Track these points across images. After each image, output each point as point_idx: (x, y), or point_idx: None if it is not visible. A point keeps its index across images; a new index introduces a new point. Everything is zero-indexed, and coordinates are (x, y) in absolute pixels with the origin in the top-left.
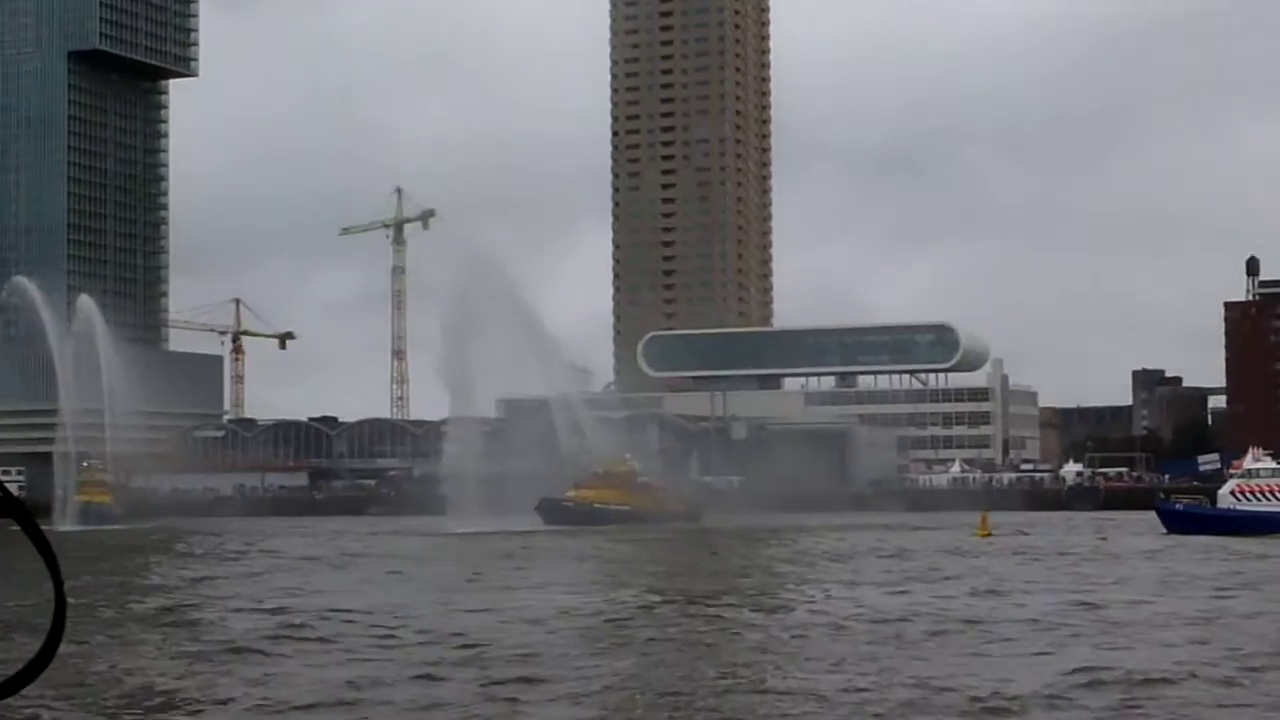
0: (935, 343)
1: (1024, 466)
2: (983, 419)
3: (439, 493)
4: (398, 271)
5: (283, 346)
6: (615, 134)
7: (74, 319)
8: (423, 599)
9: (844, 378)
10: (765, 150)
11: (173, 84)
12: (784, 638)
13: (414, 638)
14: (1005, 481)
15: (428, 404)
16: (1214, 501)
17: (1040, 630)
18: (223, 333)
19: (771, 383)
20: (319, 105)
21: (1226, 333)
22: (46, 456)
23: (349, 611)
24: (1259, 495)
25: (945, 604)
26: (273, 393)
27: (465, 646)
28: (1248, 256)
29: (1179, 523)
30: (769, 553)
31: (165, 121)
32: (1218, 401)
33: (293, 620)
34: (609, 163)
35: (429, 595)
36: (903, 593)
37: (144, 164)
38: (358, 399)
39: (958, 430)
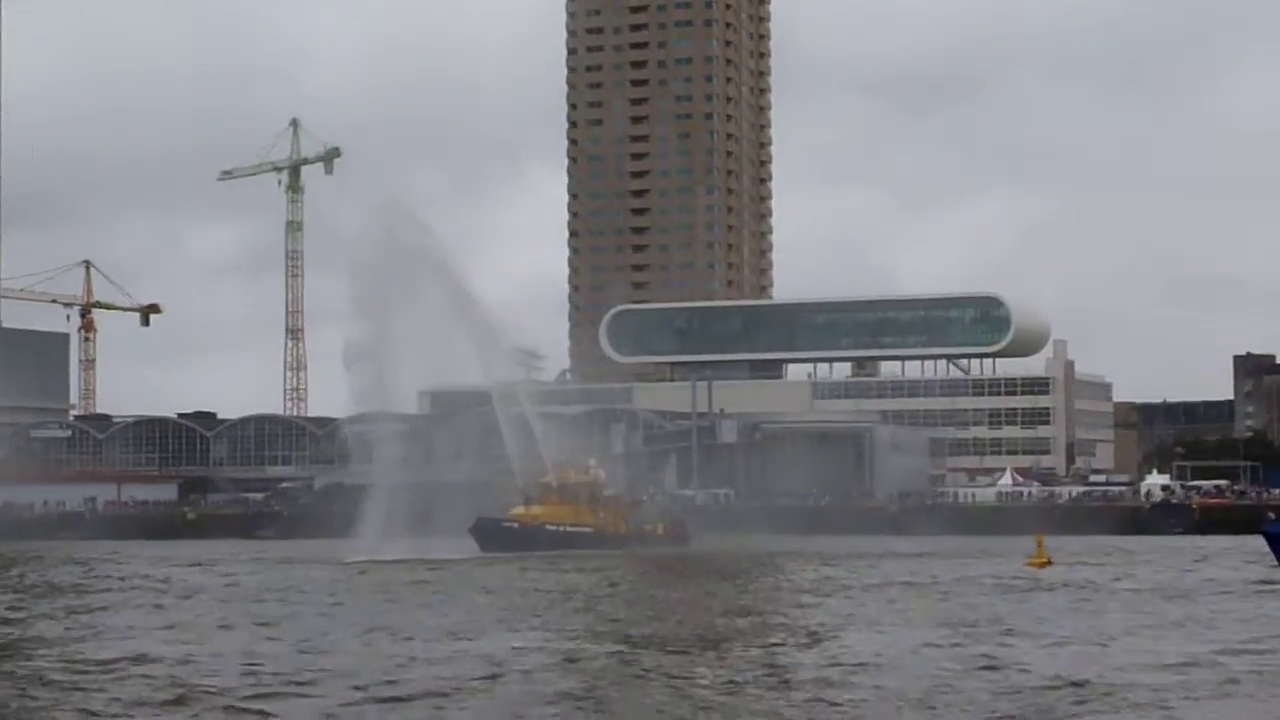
0: (979, 320)
1: (1094, 478)
2: (1041, 417)
3: (346, 509)
4: (293, 227)
5: (145, 322)
6: (571, 51)
7: None
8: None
9: (862, 364)
10: (762, 74)
11: None
12: None
13: None
14: (1069, 497)
15: (331, 397)
16: None
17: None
18: (69, 305)
19: (769, 370)
20: (190, 15)
21: None
22: None
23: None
24: None
25: (1036, 664)
26: (133, 381)
27: None
28: None
29: None
30: (774, 587)
31: None
32: None
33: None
34: (563, 89)
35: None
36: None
37: None
38: (242, 390)
39: (1008, 431)
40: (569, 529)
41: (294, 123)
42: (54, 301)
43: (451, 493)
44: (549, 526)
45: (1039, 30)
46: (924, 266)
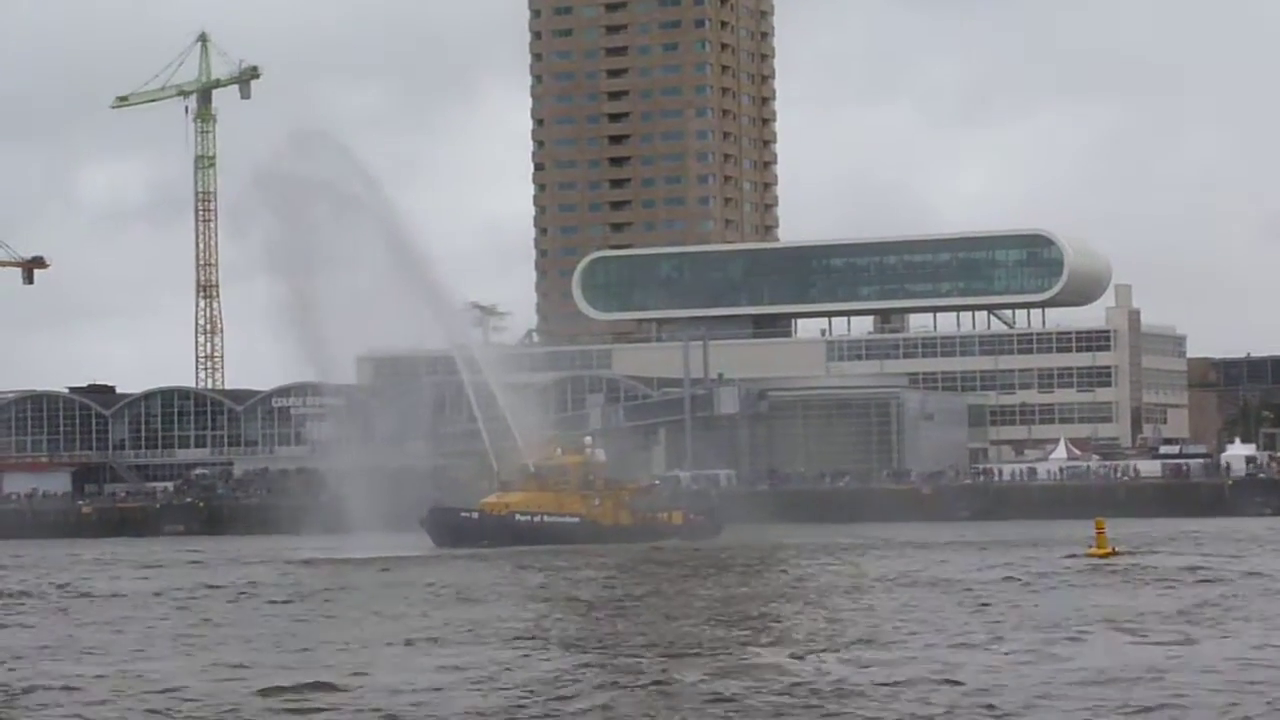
0: (1026, 262)
1: (1164, 449)
2: (1101, 378)
3: (274, 500)
4: (203, 163)
5: (29, 279)
6: None
7: None
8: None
9: (886, 318)
10: None
11: None
12: None
13: None
14: (1136, 472)
15: (253, 366)
16: None
17: None
18: None
19: (776, 327)
20: None
21: None
22: None
23: None
24: None
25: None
26: (15, 350)
27: None
28: None
29: None
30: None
31: None
32: None
33: None
34: None
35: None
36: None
37: None
38: (146, 359)
39: (1062, 395)
40: (548, 519)
41: (202, 38)
42: None
43: (403, 479)
44: (520, 517)
45: None
46: (960, 200)
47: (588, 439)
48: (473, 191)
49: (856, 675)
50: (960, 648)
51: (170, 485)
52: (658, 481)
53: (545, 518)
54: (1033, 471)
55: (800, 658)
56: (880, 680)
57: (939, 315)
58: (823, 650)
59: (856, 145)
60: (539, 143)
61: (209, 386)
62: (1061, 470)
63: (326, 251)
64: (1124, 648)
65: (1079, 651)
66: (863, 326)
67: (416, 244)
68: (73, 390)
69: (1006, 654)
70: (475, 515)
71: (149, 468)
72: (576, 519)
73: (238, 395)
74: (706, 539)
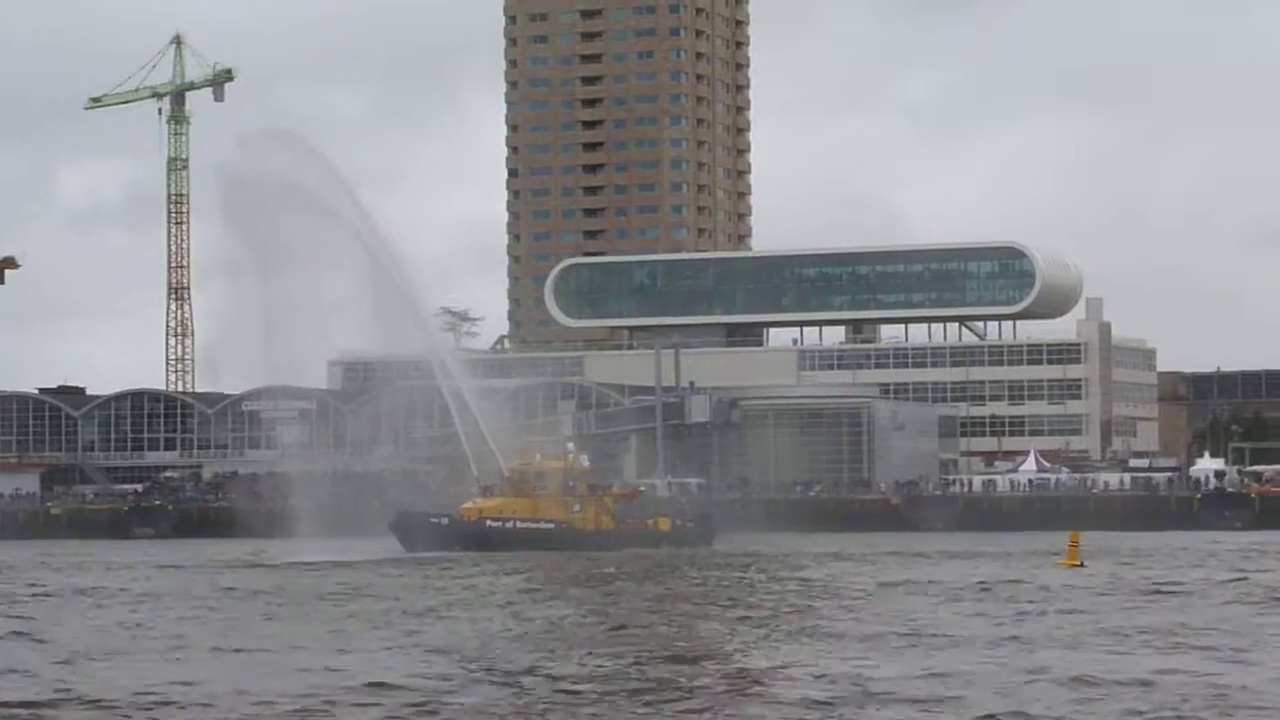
0: (998, 274)
1: (1135, 463)
2: (1072, 390)
3: (243, 504)
4: (175, 165)
5: None
6: None
7: None
8: None
9: (858, 328)
10: None
11: None
12: None
13: None
14: (1105, 485)
15: (230, 368)
16: None
17: None
18: None
19: (748, 336)
20: None
21: None
22: None
23: None
24: None
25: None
26: None
27: None
28: None
29: None
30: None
31: None
32: None
33: None
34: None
35: None
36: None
37: None
38: (116, 360)
39: (1033, 407)
40: (521, 525)
41: (176, 39)
42: None
43: (370, 483)
44: (491, 523)
45: None
46: (934, 212)
47: (570, 444)
48: (447, 196)
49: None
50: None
51: (140, 487)
52: (643, 488)
53: (518, 523)
54: (1003, 484)
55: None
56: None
57: (911, 326)
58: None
59: (831, 155)
60: (513, 149)
61: (179, 389)
62: (1031, 483)
63: (293, 253)
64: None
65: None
66: (835, 336)
67: (388, 247)
68: (42, 391)
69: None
70: (445, 520)
71: (118, 470)
72: (551, 524)
73: (208, 398)
74: (698, 546)
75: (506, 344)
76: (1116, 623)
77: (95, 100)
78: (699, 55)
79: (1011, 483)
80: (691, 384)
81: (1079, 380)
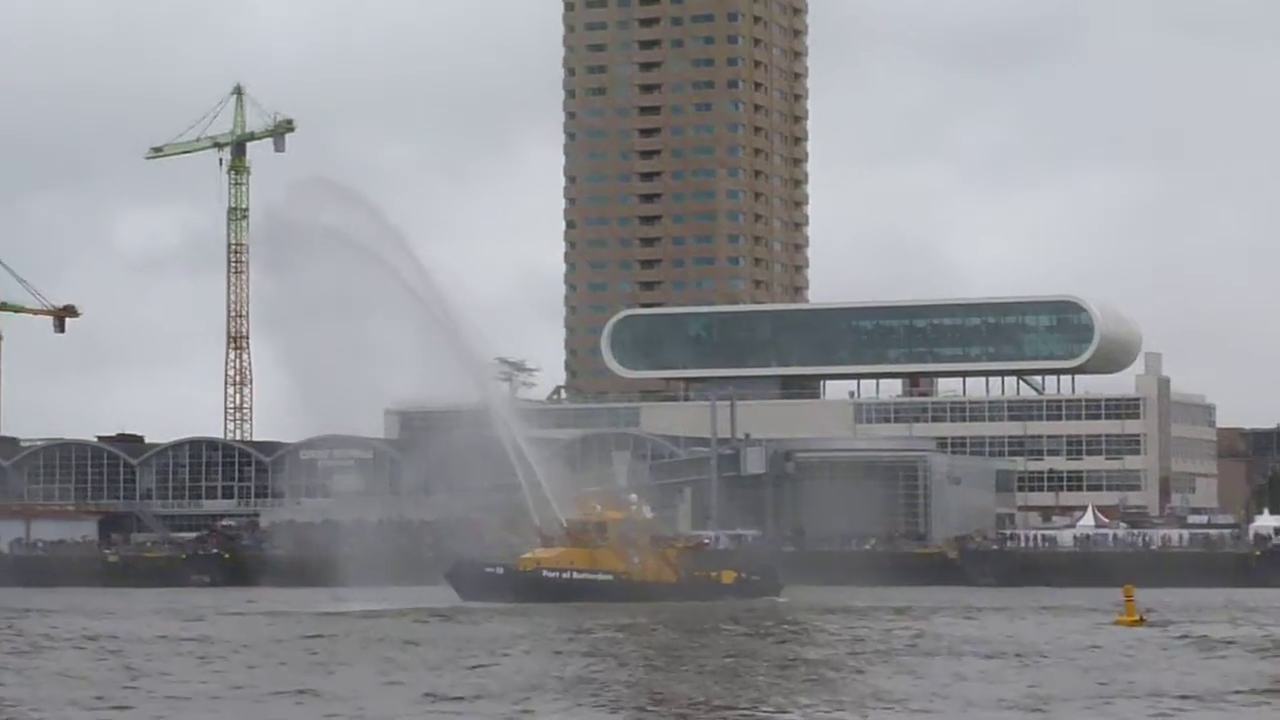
0: (1056, 328)
1: (1193, 519)
2: (1130, 445)
3: (299, 552)
4: (236, 215)
5: (60, 328)
6: (569, 8)
7: None
8: None
9: (915, 381)
10: (797, 33)
11: None
12: None
13: None
14: (1163, 541)
15: (281, 418)
16: None
17: None
18: None
19: (804, 388)
20: None
21: None
22: None
23: None
24: None
25: None
26: (45, 397)
27: None
28: None
29: None
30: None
31: None
32: None
33: None
34: (560, 51)
35: None
36: None
37: None
38: (175, 409)
39: (1091, 462)
40: (578, 576)
41: (238, 90)
42: None
43: (425, 531)
44: (547, 573)
45: None
46: (991, 264)
47: (633, 495)
48: (505, 246)
49: None
50: None
51: (197, 534)
52: (707, 540)
53: (575, 574)
54: (1062, 537)
55: None
56: None
57: (967, 380)
58: None
59: (888, 207)
60: (571, 199)
61: (237, 438)
62: (1089, 538)
63: (346, 302)
64: None
65: None
66: (891, 389)
67: (443, 297)
68: (101, 439)
69: None
70: (500, 570)
71: (176, 517)
72: (610, 576)
73: (265, 447)
74: (763, 598)
75: (563, 394)
76: None
77: (156, 150)
78: (757, 107)
79: (1074, 538)
80: (747, 435)
81: (1137, 436)
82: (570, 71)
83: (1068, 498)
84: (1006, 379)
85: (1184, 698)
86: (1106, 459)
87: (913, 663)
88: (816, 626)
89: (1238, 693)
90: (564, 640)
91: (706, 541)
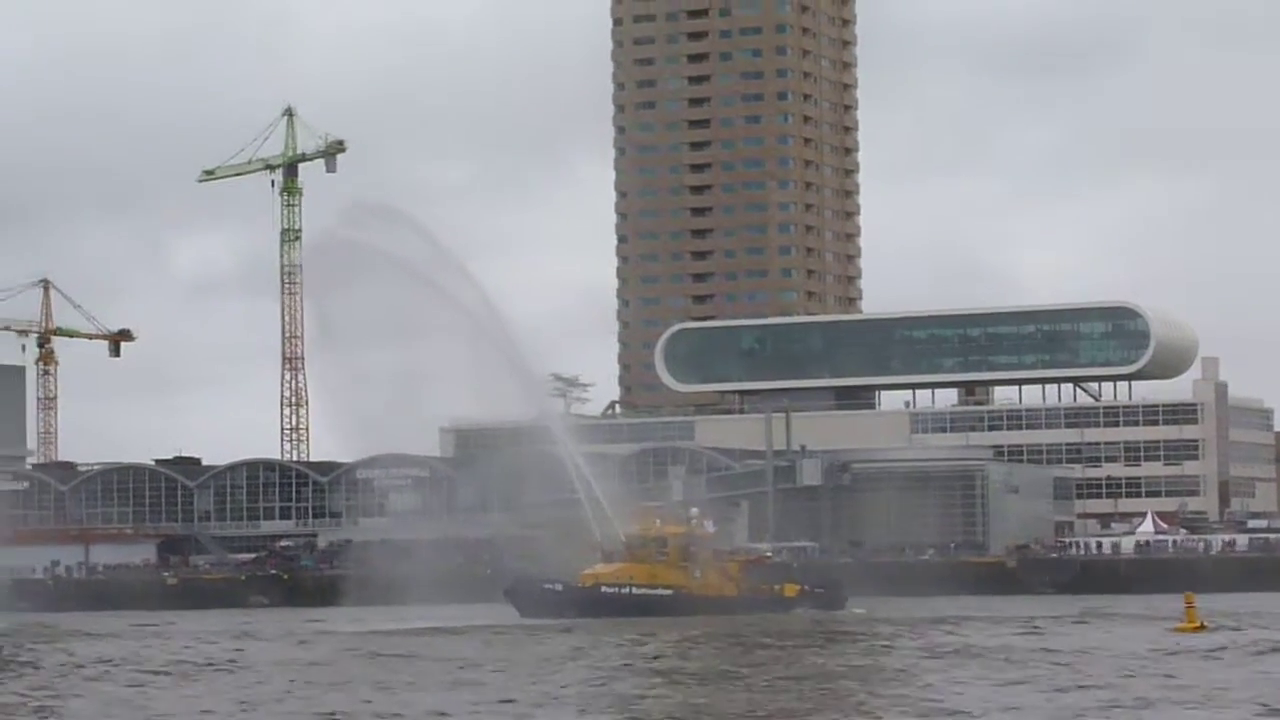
0: (1112, 334)
1: (1252, 523)
2: (1188, 450)
3: (356, 573)
4: (289, 236)
5: (115, 352)
6: (617, 22)
7: None
8: None
9: (971, 390)
10: (846, 44)
11: None
12: None
13: None
14: (1221, 545)
15: (337, 438)
16: None
17: None
18: (24, 332)
19: (859, 399)
20: None
21: None
22: None
23: None
24: None
25: None
26: (102, 422)
27: None
28: None
29: None
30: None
31: None
32: None
33: None
34: (609, 66)
35: None
36: None
37: None
38: (231, 430)
39: (1149, 468)
40: (636, 591)
41: (288, 111)
42: (6, 329)
43: (482, 549)
44: (605, 588)
45: None
46: (1045, 271)
47: (694, 510)
48: (557, 263)
49: None
50: None
51: (254, 556)
52: (769, 553)
53: (634, 589)
54: (1117, 545)
55: None
56: None
57: (1023, 388)
58: None
59: (939, 217)
60: (622, 215)
61: (294, 458)
62: (1148, 544)
63: (404, 323)
64: None
65: None
66: (946, 399)
67: (497, 315)
68: (158, 462)
69: None
70: (559, 586)
71: (233, 539)
72: (669, 590)
73: (322, 467)
74: (826, 610)
75: (617, 410)
76: None
77: (208, 173)
78: (806, 119)
79: (1136, 544)
80: (803, 447)
81: (1195, 441)
82: (619, 86)
83: (1126, 504)
84: (1062, 386)
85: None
86: (1165, 464)
87: (999, 670)
88: (902, 639)
89: None
90: (622, 654)
91: (769, 555)
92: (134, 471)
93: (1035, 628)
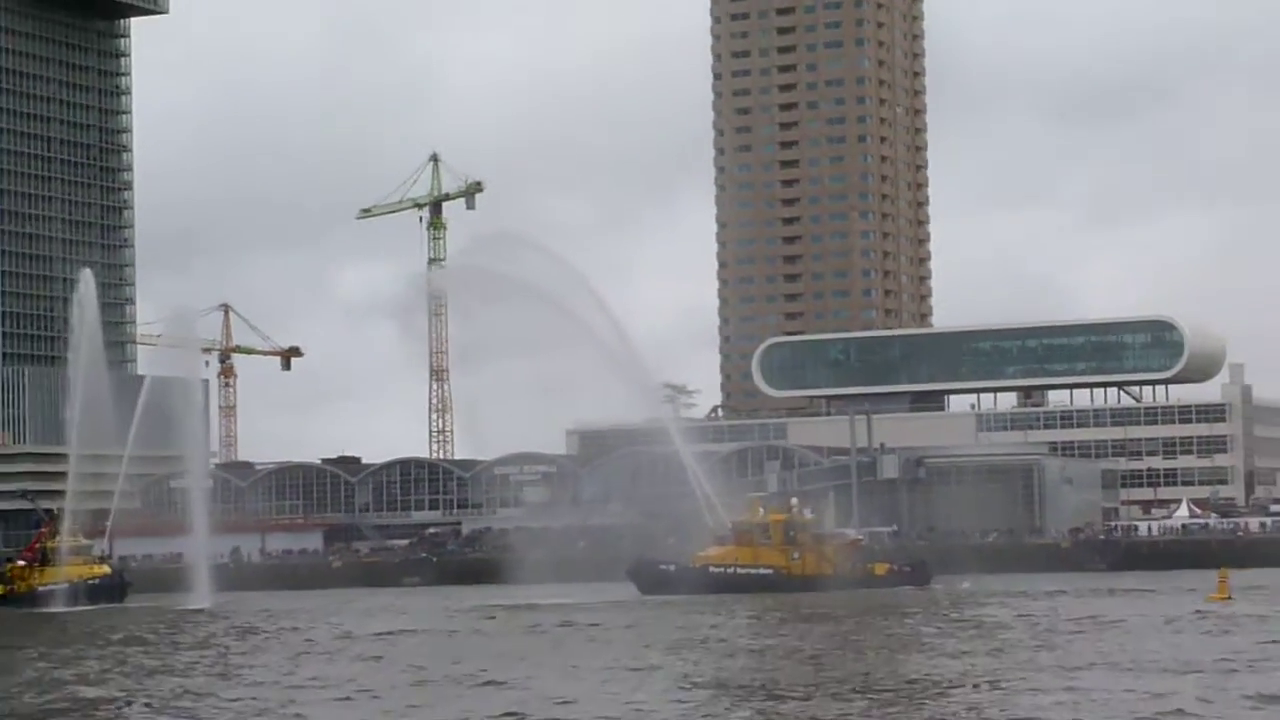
0: (1152, 344)
1: (1275, 508)
2: (1218, 445)
3: (495, 556)
4: (435, 265)
5: (286, 366)
6: (717, 76)
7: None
8: None
9: (1029, 394)
10: (917, 93)
11: (135, 23)
12: None
13: None
14: (1249, 528)
15: (477, 439)
16: None
17: None
18: (208, 350)
19: (931, 402)
20: (329, 47)
21: None
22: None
23: None
24: None
25: None
26: (274, 427)
27: None
28: None
29: None
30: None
31: (126, 74)
32: None
33: None
34: (710, 115)
35: None
36: None
37: (100, 128)
38: (386, 434)
39: (1184, 461)
40: (740, 571)
41: (434, 157)
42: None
43: (603, 536)
44: (713, 569)
45: (1233, 39)
46: (1092, 291)
47: (794, 500)
48: (667, 286)
49: None
50: None
51: (407, 542)
52: (862, 538)
53: (738, 569)
54: (1161, 528)
55: None
56: None
57: (1075, 391)
58: None
59: (1000, 243)
60: (723, 243)
61: (440, 457)
62: (1184, 528)
63: (534, 338)
64: None
65: None
66: (1007, 401)
67: (619, 331)
68: (324, 461)
69: None
70: (673, 568)
71: (389, 527)
72: (770, 570)
73: (465, 465)
74: (915, 587)
75: (720, 413)
76: None
77: (365, 211)
78: (883, 158)
79: (1170, 527)
80: (882, 445)
81: (1224, 437)
82: (720, 132)
83: (1164, 492)
84: (1109, 390)
85: None
86: (1198, 458)
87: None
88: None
89: None
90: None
91: (861, 538)
92: (303, 470)
93: (1093, 597)
